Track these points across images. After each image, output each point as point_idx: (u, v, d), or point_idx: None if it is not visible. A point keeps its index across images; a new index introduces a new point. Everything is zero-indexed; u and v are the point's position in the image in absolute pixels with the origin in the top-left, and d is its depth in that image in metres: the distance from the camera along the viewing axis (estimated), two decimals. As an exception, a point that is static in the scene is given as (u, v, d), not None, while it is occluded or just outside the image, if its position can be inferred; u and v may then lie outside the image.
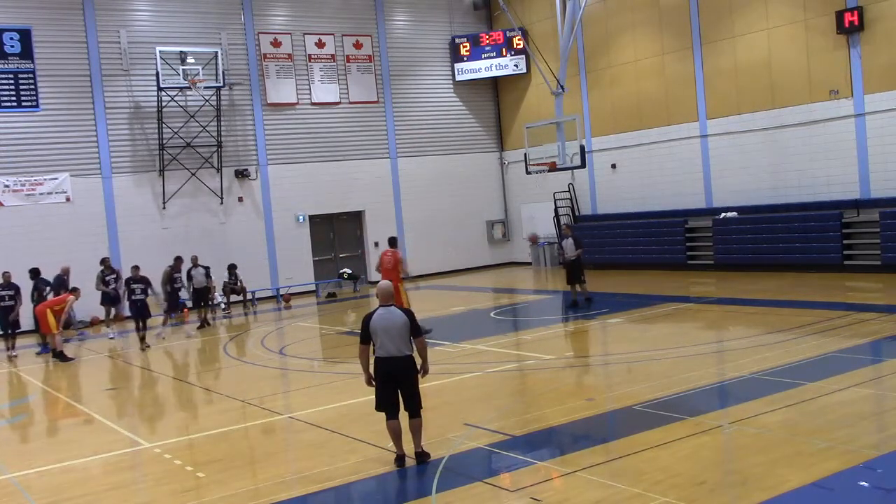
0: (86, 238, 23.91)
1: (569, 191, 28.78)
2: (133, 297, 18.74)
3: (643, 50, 26.28)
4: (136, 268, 19.14)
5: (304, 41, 27.80)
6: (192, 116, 25.36)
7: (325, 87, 28.16)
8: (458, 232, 30.51)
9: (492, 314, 20.06)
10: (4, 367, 17.71)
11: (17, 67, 23.26)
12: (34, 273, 19.76)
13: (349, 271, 27.31)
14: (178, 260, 21.34)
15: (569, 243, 19.29)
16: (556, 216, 28.88)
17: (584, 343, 15.85)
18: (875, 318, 14.50)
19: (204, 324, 21.38)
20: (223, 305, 24.04)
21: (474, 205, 31.00)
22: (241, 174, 26.52)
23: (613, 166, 27.58)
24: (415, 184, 29.72)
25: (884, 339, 12.97)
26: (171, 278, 20.88)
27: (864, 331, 13.63)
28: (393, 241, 17.61)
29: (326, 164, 28.01)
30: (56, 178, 23.70)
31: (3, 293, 18.68)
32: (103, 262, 21.27)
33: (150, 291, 19.10)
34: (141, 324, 18.63)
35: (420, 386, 8.73)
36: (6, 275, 18.91)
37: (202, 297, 21.62)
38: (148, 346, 18.35)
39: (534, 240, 19.36)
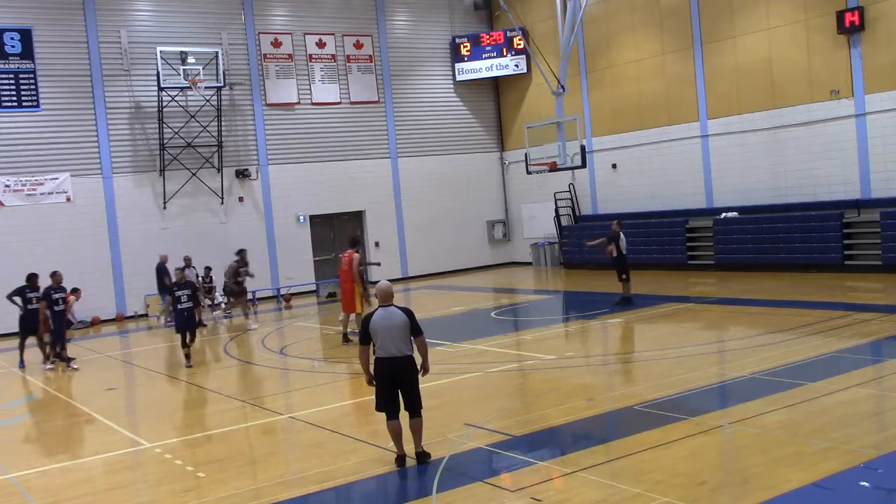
0: (86, 238, 23.92)
1: (569, 191, 28.78)
2: (179, 306, 15.77)
3: (644, 50, 26.28)
4: (182, 270, 16.75)
5: (304, 41, 27.81)
6: (193, 116, 25.37)
7: (326, 87, 28.16)
8: (458, 232, 30.50)
9: (492, 314, 20.05)
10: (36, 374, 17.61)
11: (18, 67, 23.27)
12: (29, 279, 18.18)
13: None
14: (356, 242, 19.77)
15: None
16: (557, 216, 28.89)
17: (584, 343, 15.85)
18: (875, 318, 14.49)
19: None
20: (223, 305, 24.04)
21: (475, 205, 30.99)
22: (242, 174, 26.52)
23: (614, 166, 27.57)
24: (415, 184, 29.72)
25: (884, 339, 12.96)
26: (363, 261, 20.27)
27: (864, 331, 13.62)
28: (353, 242, 17.22)
29: (327, 164, 28.01)
30: (56, 178, 23.70)
31: (57, 296, 16.84)
32: (240, 253, 20.94)
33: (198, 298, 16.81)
34: (188, 337, 15.82)
35: (420, 386, 8.73)
36: (56, 275, 17.22)
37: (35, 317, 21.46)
38: (190, 366, 15.67)
39: (606, 245, 19.19)
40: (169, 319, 22.61)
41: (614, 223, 19.32)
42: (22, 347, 17.51)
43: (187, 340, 15.78)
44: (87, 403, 13.57)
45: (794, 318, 15.31)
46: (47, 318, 16.69)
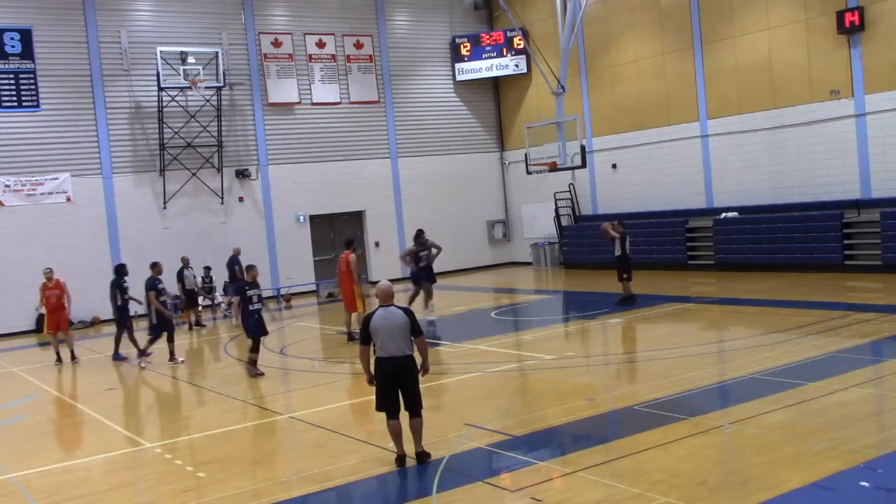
0: (86, 238, 23.92)
1: (569, 191, 28.78)
2: (251, 307, 14.07)
3: (644, 50, 26.28)
4: (251, 268, 14.64)
5: (304, 41, 27.80)
6: (193, 116, 25.36)
7: (326, 87, 28.16)
8: (458, 232, 30.46)
9: (492, 314, 20.04)
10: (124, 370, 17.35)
11: (18, 67, 23.26)
12: (119, 270, 17.46)
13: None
14: (350, 243, 17.19)
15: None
16: (557, 216, 28.89)
17: (584, 343, 15.85)
18: (875, 318, 14.49)
19: (192, 326, 21.28)
20: (224, 305, 24.04)
21: (475, 205, 30.98)
22: (242, 174, 26.52)
23: (614, 166, 27.57)
24: (415, 184, 29.72)
25: (884, 339, 12.97)
26: (416, 256, 19.06)
27: (864, 331, 13.62)
28: (348, 243, 16.98)
29: (327, 164, 28.01)
30: (57, 178, 23.70)
31: (162, 286, 16.42)
32: (419, 235, 19.38)
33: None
34: (259, 342, 14.35)
35: (420, 386, 8.73)
36: (157, 266, 16.73)
37: (193, 298, 21.54)
38: (261, 374, 14.06)
39: (608, 231, 19.08)
40: (227, 311, 22.68)
41: (616, 223, 19.28)
42: (118, 340, 17.24)
43: (256, 346, 14.25)
44: (87, 403, 13.57)
45: (794, 318, 15.31)
46: (160, 311, 16.14)
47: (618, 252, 18.80)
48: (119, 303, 17.06)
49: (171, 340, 16.35)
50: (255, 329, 14.15)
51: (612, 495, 7.25)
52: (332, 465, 8.80)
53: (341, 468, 8.68)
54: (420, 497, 7.83)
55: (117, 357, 17.16)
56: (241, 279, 20.49)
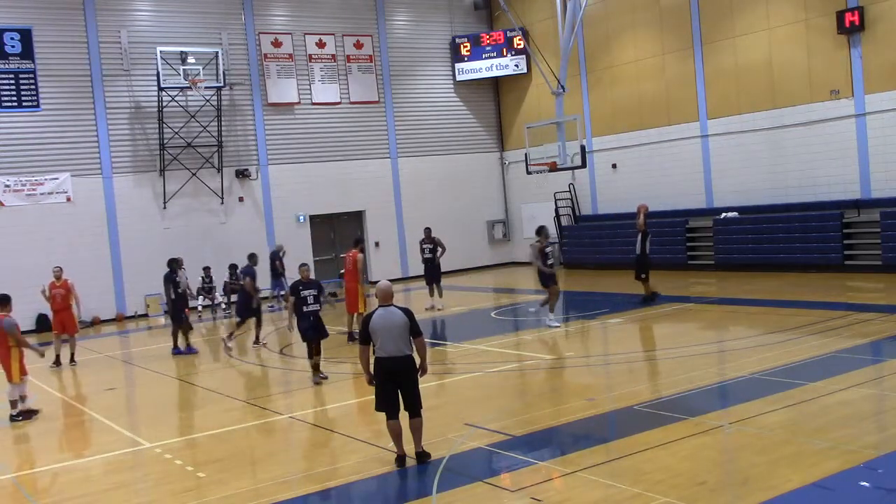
0: (86, 238, 23.92)
1: (569, 191, 28.78)
2: (305, 308, 13.11)
3: (644, 50, 26.28)
4: (305, 267, 13.70)
5: (304, 41, 27.81)
6: (193, 116, 25.37)
7: (326, 86, 28.16)
8: (458, 232, 30.43)
9: (492, 314, 20.05)
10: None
11: (18, 67, 23.27)
12: (172, 263, 17.49)
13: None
14: (359, 242, 17.33)
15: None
16: (557, 216, 28.89)
17: (584, 343, 15.85)
18: (875, 318, 14.49)
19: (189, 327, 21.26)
20: (224, 305, 24.04)
21: (475, 205, 30.98)
22: (242, 174, 26.53)
23: (614, 166, 27.57)
24: (415, 184, 29.72)
25: (884, 339, 12.96)
26: (542, 253, 17.09)
27: (864, 331, 13.62)
28: (356, 242, 17.10)
29: (327, 164, 28.02)
30: (57, 178, 23.70)
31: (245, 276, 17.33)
32: (541, 231, 17.67)
33: (323, 300, 13.62)
34: (316, 345, 13.34)
35: (420, 386, 8.74)
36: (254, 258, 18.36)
37: (185, 301, 21.49)
38: (325, 377, 13.31)
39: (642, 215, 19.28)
40: (282, 306, 22.77)
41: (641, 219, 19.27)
42: (176, 335, 17.39)
43: (315, 349, 13.32)
44: (87, 403, 13.57)
45: (794, 318, 15.31)
46: (254, 298, 17.05)
47: (638, 250, 18.89)
48: (173, 296, 17.24)
49: (258, 325, 17.28)
50: (307, 332, 13.18)
51: (612, 495, 7.25)
52: (332, 465, 8.81)
53: (341, 468, 8.68)
54: (420, 497, 7.83)
55: (182, 351, 17.24)
56: (282, 274, 20.79)
